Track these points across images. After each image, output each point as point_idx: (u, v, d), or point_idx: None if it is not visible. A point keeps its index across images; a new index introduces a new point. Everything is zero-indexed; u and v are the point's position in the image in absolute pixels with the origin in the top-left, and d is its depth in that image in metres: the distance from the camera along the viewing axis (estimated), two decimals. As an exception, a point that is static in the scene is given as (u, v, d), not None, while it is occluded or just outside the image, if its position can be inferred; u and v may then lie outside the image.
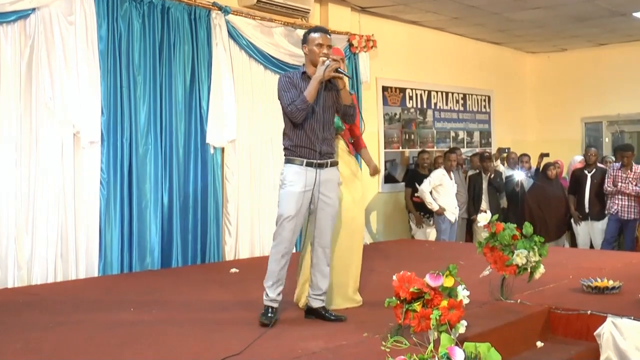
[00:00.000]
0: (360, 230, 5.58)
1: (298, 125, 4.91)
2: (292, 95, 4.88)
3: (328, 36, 5.01)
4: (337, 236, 5.32)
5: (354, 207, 5.47)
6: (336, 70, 4.83)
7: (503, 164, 11.53)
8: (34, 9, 6.83)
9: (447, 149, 11.13)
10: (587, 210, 10.28)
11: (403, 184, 10.91)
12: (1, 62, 6.67)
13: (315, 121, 4.92)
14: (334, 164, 5.08)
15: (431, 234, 10.27)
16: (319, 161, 4.90)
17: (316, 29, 5.06)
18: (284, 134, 5.04)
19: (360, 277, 5.57)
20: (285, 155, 5.01)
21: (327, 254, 5.04)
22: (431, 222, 10.20)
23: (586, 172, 10.34)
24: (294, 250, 5.42)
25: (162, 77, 7.78)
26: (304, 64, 5.12)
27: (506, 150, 11.99)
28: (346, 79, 4.98)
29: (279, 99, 5.00)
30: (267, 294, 4.93)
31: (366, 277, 6.54)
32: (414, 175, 10.49)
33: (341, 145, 5.47)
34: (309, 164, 4.89)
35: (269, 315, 4.87)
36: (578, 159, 11.51)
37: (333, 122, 5.12)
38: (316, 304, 5.06)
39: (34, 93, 6.88)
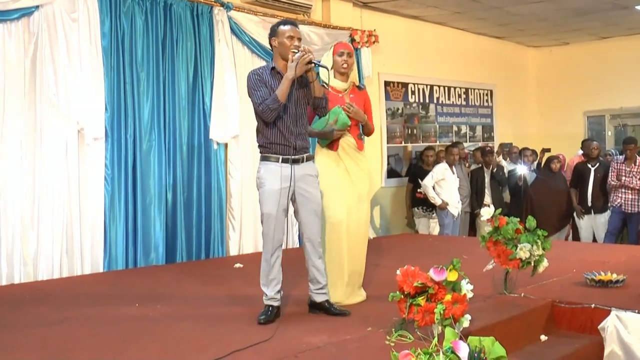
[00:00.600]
0: (366, 226, 5.59)
1: (270, 123, 4.87)
2: (262, 94, 4.81)
3: (298, 29, 4.98)
4: (342, 232, 5.33)
5: (360, 203, 5.47)
6: (309, 62, 4.80)
7: (505, 159, 11.55)
8: (37, 7, 6.85)
9: (449, 143, 11.14)
10: (590, 204, 10.25)
11: (406, 178, 10.94)
12: (5, 60, 6.71)
13: (288, 116, 4.90)
14: (310, 158, 5.06)
15: (435, 228, 10.28)
16: (294, 157, 4.90)
17: (286, 22, 5.01)
18: (257, 131, 4.99)
19: (364, 272, 5.59)
20: (260, 152, 4.98)
21: (316, 247, 5.01)
22: (434, 215, 10.22)
23: (589, 165, 10.31)
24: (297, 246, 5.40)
25: (165, 73, 7.80)
26: (272, 59, 5.08)
27: (508, 146, 12.01)
28: (326, 70, 5.11)
29: (249, 96, 4.94)
30: (265, 294, 4.92)
31: (370, 271, 6.55)
32: (418, 171, 10.50)
33: (348, 142, 5.46)
34: (284, 161, 4.87)
35: (268, 313, 4.86)
36: (581, 152, 11.53)
37: (306, 115, 5.09)
38: (319, 298, 5.06)
39: (38, 90, 6.91)
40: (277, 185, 4.83)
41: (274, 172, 4.85)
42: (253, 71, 5.00)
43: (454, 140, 12.06)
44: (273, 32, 4.97)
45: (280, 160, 4.86)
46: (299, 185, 4.91)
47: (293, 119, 4.92)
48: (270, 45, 5.05)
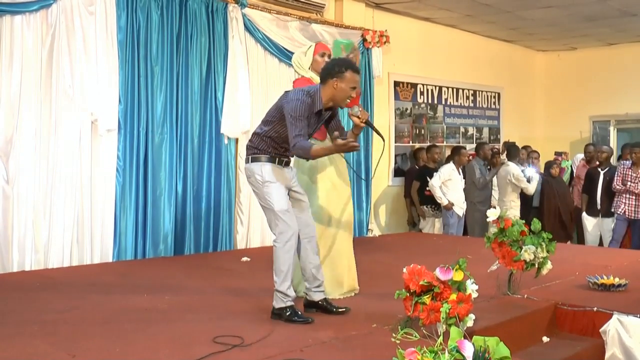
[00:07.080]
0: (349, 220, 5.61)
1: (276, 137, 4.76)
2: (301, 127, 4.58)
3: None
4: (327, 228, 5.43)
5: (350, 200, 5.61)
6: (367, 122, 4.73)
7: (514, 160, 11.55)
8: (55, -1, 6.95)
9: (456, 145, 11.17)
10: (599, 207, 10.22)
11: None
12: (23, 50, 6.79)
13: None
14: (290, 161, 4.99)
15: (436, 225, 10.32)
16: (286, 159, 4.86)
17: (355, 67, 4.70)
18: (266, 136, 4.78)
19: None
20: (256, 154, 4.79)
21: (313, 244, 4.93)
22: (436, 212, 10.27)
23: (599, 170, 10.29)
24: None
25: (178, 68, 7.89)
26: (314, 90, 4.73)
27: (514, 148, 12.00)
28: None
29: (288, 115, 4.59)
30: (286, 295, 4.70)
31: (375, 268, 6.65)
32: (424, 170, 10.50)
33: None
34: (279, 162, 4.80)
35: (298, 313, 4.72)
36: (580, 157, 11.58)
37: None
38: (317, 296, 4.99)
39: (54, 81, 6.99)
40: (284, 182, 4.80)
41: (277, 170, 4.78)
42: (303, 99, 4.62)
43: (461, 142, 12.13)
44: (338, 71, 4.63)
45: (276, 161, 4.79)
46: (293, 185, 4.89)
47: None
48: (325, 80, 4.69)
